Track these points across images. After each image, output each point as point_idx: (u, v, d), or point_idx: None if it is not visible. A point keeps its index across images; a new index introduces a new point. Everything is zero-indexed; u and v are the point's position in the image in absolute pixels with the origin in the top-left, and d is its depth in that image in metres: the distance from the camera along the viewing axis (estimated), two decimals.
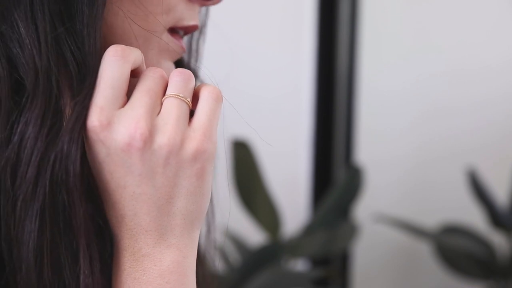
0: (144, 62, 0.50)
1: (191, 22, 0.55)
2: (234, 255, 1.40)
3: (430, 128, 1.78)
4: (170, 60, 0.55)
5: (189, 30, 0.56)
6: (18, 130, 0.46)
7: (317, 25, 1.66)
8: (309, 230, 1.43)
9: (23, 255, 0.45)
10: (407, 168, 1.79)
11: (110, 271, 0.49)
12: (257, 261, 1.33)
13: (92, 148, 0.47)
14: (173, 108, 0.48)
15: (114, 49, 0.48)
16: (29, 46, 0.47)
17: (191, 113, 0.49)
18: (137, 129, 0.46)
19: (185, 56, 0.61)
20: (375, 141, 1.75)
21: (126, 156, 0.46)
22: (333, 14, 1.68)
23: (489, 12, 1.79)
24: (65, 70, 0.48)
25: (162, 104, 0.48)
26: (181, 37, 0.56)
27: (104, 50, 0.48)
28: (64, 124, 0.47)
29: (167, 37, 0.54)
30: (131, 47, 0.49)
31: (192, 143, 0.47)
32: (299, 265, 1.63)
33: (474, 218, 1.66)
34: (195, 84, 0.50)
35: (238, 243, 1.41)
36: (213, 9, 0.61)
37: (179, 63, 0.59)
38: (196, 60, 0.62)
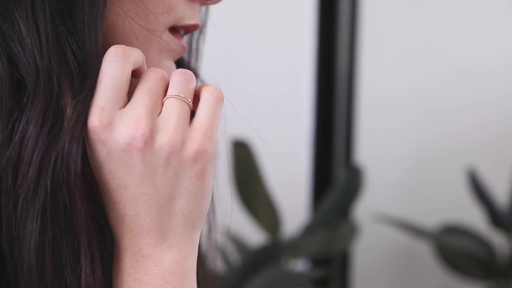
0: (145, 62, 0.50)
1: (192, 21, 0.55)
2: (234, 255, 1.40)
3: (430, 128, 1.78)
4: (170, 60, 0.55)
5: (189, 29, 0.56)
6: (19, 129, 0.46)
7: (317, 25, 1.66)
8: (309, 230, 1.43)
9: (24, 254, 0.45)
10: (407, 168, 1.79)
11: (111, 270, 0.49)
12: (257, 261, 1.33)
13: (93, 148, 0.47)
14: (174, 109, 0.48)
15: (115, 49, 0.48)
16: (30, 46, 0.47)
17: (192, 114, 0.49)
18: (138, 129, 0.46)
19: (185, 56, 0.61)
20: (375, 141, 1.75)
21: (126, 156, 0.46)
22: (333, 14, 1.68)
23: (489, 12, 1.79)
24: (66, 69, 0.48)
25: (163, 104, 0.48)
26: (182, 36, 0.56)
27: (105, 49, 0.48)
28: (65, 123, 0.47)
29: (167, 37, 0.54)
30: (132, 48, 0.49)
31: (193, 144, 0.47)
32: (299, 265, 1.63)
33: (474, 218, 1.66)
34: (196, 84, 0.50)
35: (238, 243, 1.41)
36: (213, 9, 0.61)
37: (179, 63, 0.59)
38: (196, 60, 0.62)
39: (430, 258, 1.63)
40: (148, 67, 0.50)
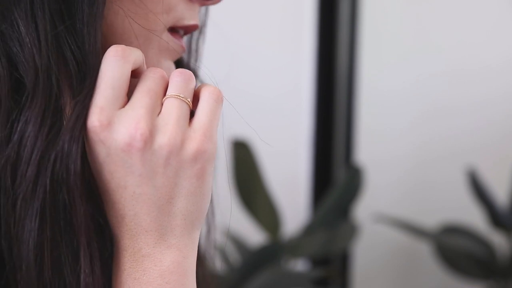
0: (144, 62, 0.50)
1: (191, 22, 0.55)
2: (234, 255, 1.40)
3: (430, 128, 1.78)
4: (170, 60, 0.55)
5: (189, 30, 0.56)
6: (18, 128, 0.46)
7: (317, 25, 1.66)
8: (309, 230, 1.43)
9: (23, 253, 0.45)
10: (407, 168, 1.79)
11: (110, 270, 0.49)
12: (257, 261, 1.33)
13: (92, 148, 0.47)
14: (173, 109, 0.48)
15: (115, 49, 0.48)
16: (29, 45, 0.47)
17: (192, 114, 0.49)
18: (138, 129, 0.46)
19: (185, 56, 0.61)
20: (375, 141, 1.75)
21: (126, 156, 0.46)
22: (333, 14, 1.68)
23: (489, 12, 1.79)
24: (65, 69, 0.48)
25: (162, 104, 0.48)
26: (181, 37, 0.56)
27: (104, 49, 0.48)
28: (65, 123, 0.47)
29: (167, 37, 0.54)
30: (132, 48, 0.49)
31: (193, 144, 0.47)
32: (299, 265, 1.63)
33: (474, 218, 1.66)
34: (196, 84, 0.50)
35: (238, 243, 1.41)
36: (213, 9, 0.61)
37: (179, 63, 0.59)
38: (196, 60, 0.62)
39: (430, 258, 1.63)
40: (147, 67, 0.50)
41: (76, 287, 0.47)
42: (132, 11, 0.51)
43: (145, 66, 0.50)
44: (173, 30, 0.55)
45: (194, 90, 0.50)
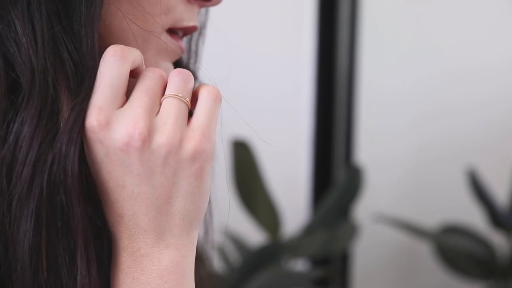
0: (143, 62, 0.50)
1: (190, 23, 0.55)
2: (234, 255, 1.40)
3: (430, 128, 1.78)
4: (168, 61, 0.55)
5: (188, 31, 0.56)
6: (14, 129, 0.46)
7: (317, 25, 1.66)
8: (309, 230, 1.43)
9: (18, 254, 0.45)
10: (407, 168, 1.79)
11: (107, 272, 0.49)
12: (257, 261, 1.33)
13: (90, 148, 0.47)
14: (172, 108, 0.48)
15: (114, 49, 0.48)
16: (25, 45, 0.47)
17: (190, 113, 0.49)
18: (136, 128, 0.46)
19: (184, 57, 0.61)
20: (375, 141, 1.75)
21: (124, 155, 0.46)
22: (333, 14, 1.68)
23: (489, 12, 1.79)
24: (62, 70, 0.48)
25: (161, 104, 0.48)
26: (180, 38, 0.56)
27: (102, 50, 0.48)
28: (62, 124, 0.47)
29: (166, 38, 0.54)
30: (131, 47, 0.49)
31: (191, 143, 0.47)
32: (299, 265, 1.63)
33: (474, 218, 1.66)
34: (194, 85, 0.50)
35: (238, 243, 1.41)
36: (213, 10, 0.61)
37: (178, 64, 0.58)
38: (195, 61, 0.62)
39: (430, 258, 1.63)
40: (146, 67, 0.50)
41: None
42: (130, 13, 0.50)
43: (144, 66, 0.50)
44: (172, 31, 0.54)
45: (193, 90, 0.50)
